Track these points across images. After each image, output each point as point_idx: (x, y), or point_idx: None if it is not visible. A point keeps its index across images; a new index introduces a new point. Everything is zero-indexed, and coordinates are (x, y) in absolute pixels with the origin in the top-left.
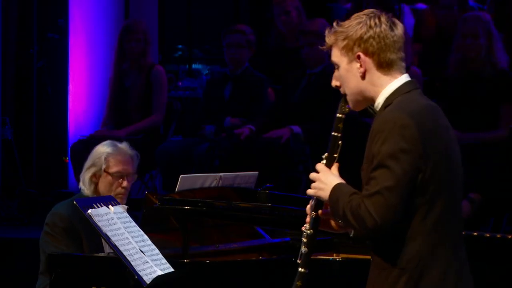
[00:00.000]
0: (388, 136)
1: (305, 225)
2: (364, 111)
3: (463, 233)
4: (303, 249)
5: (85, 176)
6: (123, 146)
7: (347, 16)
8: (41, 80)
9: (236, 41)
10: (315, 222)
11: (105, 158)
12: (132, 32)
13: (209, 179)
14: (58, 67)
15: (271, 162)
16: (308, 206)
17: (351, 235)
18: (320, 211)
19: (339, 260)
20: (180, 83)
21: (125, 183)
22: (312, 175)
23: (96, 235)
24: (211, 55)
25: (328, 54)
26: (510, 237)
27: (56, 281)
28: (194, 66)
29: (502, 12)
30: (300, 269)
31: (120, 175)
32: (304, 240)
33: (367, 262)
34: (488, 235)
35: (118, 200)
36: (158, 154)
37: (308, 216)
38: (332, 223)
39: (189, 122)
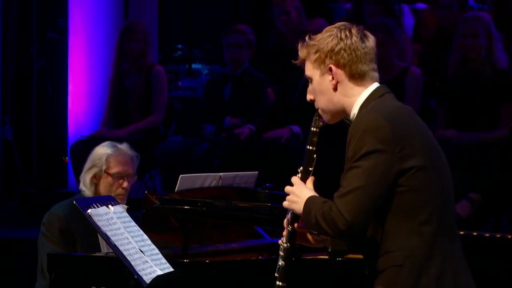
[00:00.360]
0: (361, 138)
1: (281, 238)
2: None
3: (461, 232)
4: (280, 262)
5: (86, 177)
6: (123, 147)
7: (347, 16)
8: (41, 80)
9: (236, 41)
10: (291, 236)
11: (106, 159)
12: (132, 32)
13: (209, 179)
14: (58, 67)
15: (271, 162)
16: (285, 220)
17: (329, 250)
18: (296, 224)
19: (338, 260)
20: (180, 83)
21: (125, 184)
22: (287, 189)
23: (93, 236)
24: (211, 55)
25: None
26: (510, 237)
27: (56, 281)
28: (194, 66)
29: (502, 12)
30: (278, 282)
31: (120, 176)
32: (281, 253)
33: (361, 261)
34: (487, 235)
35: (118, 201)
36: (158, 154)
37: (285, 230)
38: (309, 236)
39: (189, 122)
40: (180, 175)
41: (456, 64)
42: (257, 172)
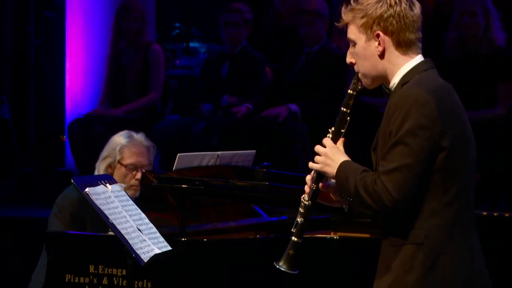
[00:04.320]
0: (407, 113)
1: (303, 195)
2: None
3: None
4: (299, 219)
5: (101, 166)
6: (139, 137)
7: None
8: (38, 58)
9: (233, 20)
10: (314, 194)
11: (119, 150)
12: (129, 11)
13: (207, 157)
14: (56, 45)
15: (269, 141)
16: (309, 177)
17: (345, 210)
18: (321, 184)
19: (336, 238)
20: (177, 62)
21: (138, 175)
22: (319, 149)
23: (102, 221)
24: (208, 34)
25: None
26: (507, 215)
27: (54, 260)
28: (191, 44)
29: None
30: (293, 238)
31: (134, 167)
32: (301, 210)
33: (365, 240)
34: (485, 213)
35: (132, 192)
36: (156, 132)
37: (307, 187)
38: (331, 196)
39: (187, 101)
40: (178, 154)
41: (454, 42)
42: (254, 151)
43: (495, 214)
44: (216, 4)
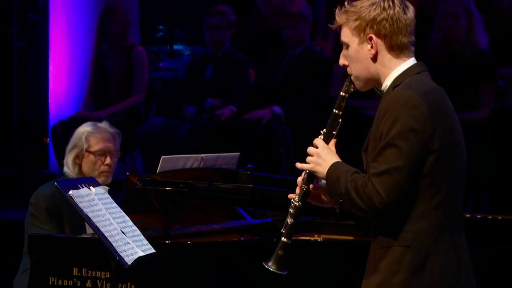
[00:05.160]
0: (398, 115)
1: (294, 196)
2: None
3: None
4: (289, 220)
5: (68, 158)
6: (103, 124)
7: None
8: (21, 61)
9: (217, 22)
10: (304, 195)
11: (86, 138)
12: (113, 13)
13: (191, 160)
14: (39, 48)
15: (252, 143)
16: (300, 179)
17: (337, 211)
18: (311, 185)
19: (320, 240)
20: (161, 64)
21: (108, 160)
22: (311, 150)
23: (79, 216)
24: (192, 36)
25: (310, 35)
26: (490, 217)
27: (37, 262)
28: (175, 47)
29: None
30: (283, 238)
31: (102, 153)
32: (291, 211)
33: (349, 242)
34: (468, 215)
35: (103, 178)
36: (139, 135)
37: (298, 188)
38: (322, 197)
39: (170, 103)
40: (162, 156)
41: (437, 44)
42: (238, 153)
43: (478, 216)
44: (199, 7)
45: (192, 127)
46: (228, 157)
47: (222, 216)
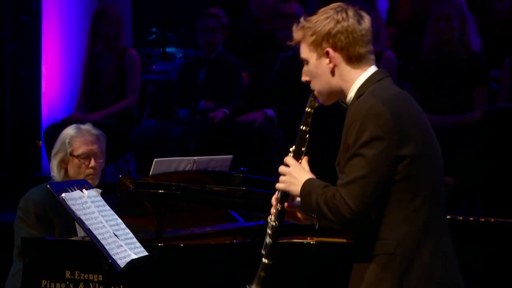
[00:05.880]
0: (362, 125)
1: (270, 216)
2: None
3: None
4: (268, 240)
5: (53, 163)
6: (86, 127)
7: (320, 0)
8: (14, 63)
9: (210, 25)
10: (280, 215)
11: (69, 142)
12: (105, 16)
13: (183, 162)
14: (31, 50)
15: (245, 146)
16: (274, 198)
17: (316, 227)
18: (286, 204)
19: (313, 243)
20: (154, 67)
21: (92, 163)
22: (282, 169)
23: (69, 220)
24: (185, 39)
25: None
26: (483, 220)
27: (30, 265)
28: (168, 49)
29: None
30: (264, 260)
31: (86, 156)
32: (269, 231)
33: (342, 245)
34: (461, 218)
35: (89, 181)
36: (132, 137)
37: (274, 208)
38: (298, 215)
39: (163, 106)
40: (155, 159)
41: (430, 47)
42: (231, 156)
43: (471, 218)
44: (192, 9)
45: (185, 129)
46: (221, 160)
47: (214, 218)
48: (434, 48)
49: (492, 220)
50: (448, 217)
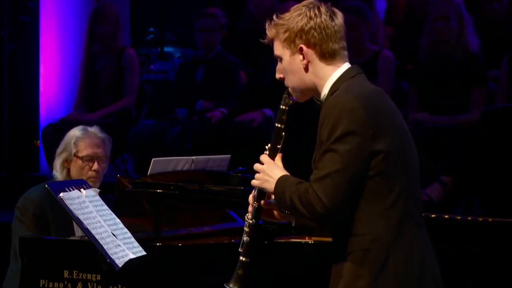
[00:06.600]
0: (336, 120)
1: (247, 214)
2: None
3: (432, 215)
4: (245, 238)
5: (57, 162)
6: (93, 129)
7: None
8: (12, 63)
9: (208, 25)
10: (257, 212)
11: (74, 143)
12: (103, 15)
13: (182, 162)
14: (29, 50)
15: (243, 146)
16: (251, 196)
17: (293, 225)
18: (262, 201)
19: (311, 243)
20: (152, 66)
21: (95, 166)
22: (257, 167)
23: (67, 220)
24: (183, 38)
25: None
26: (481, 219)
27: (28, 265)
28: (166, 49)
29: None
30: (241, 258)
31: (90, 159)
32: (246, 229)
33: None
34: (459, 217)
35: (90, 184)
36: (130, 137)
37: (250, 206)
38: (275, 213)
39: (161, 105)
40: (153, 159)
41: (428, 47)
42: (229, 155)
43: (469, 218)
44: (190, 9)
45: (183, 129)
46: (219, 160)
47: (213, 218)
48: (431, 48)
49: (490, 219)
50: (446, 216)
